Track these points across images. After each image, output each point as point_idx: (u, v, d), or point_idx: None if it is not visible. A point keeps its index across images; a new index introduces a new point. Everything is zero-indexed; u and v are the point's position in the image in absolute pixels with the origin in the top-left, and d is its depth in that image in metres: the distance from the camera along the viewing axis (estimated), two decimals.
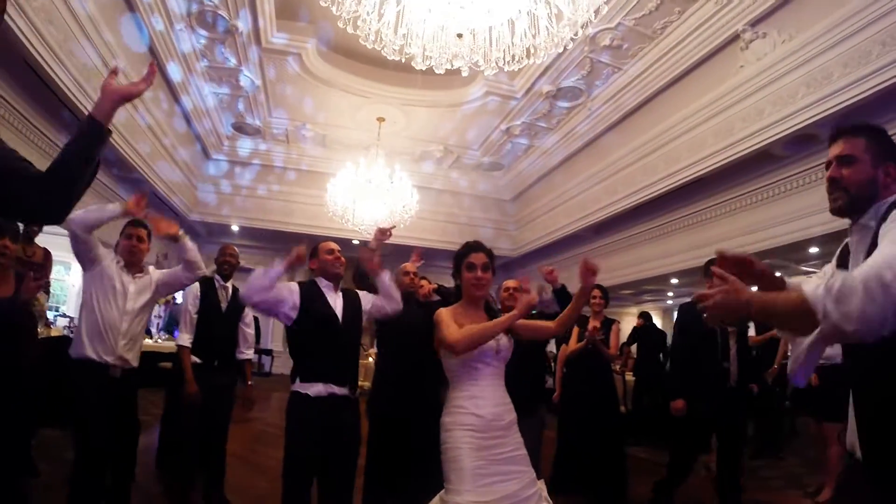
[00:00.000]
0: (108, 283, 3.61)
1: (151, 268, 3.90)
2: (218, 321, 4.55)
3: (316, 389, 3.13)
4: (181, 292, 4.66)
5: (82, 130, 1.64)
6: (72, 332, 6.08)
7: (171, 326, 6.07)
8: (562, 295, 4.36)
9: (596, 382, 5.44)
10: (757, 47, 7.03)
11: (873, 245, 1.56)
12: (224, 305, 4.60)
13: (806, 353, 1.51)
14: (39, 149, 7.88)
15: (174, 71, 8.89)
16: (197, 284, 4.44)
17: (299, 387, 3.17)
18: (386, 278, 3.60)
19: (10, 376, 3.71)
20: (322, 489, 3.20)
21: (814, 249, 8.63)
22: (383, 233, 3.83)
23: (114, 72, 1.74)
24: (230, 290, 4.66)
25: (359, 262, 3.87)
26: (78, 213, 3.40)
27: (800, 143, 7.27)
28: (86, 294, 3.64)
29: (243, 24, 8.03)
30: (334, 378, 3.17)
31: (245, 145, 12.68)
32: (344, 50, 9.08)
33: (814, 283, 1.41)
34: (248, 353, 4.82)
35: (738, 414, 4.76)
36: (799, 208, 7.79)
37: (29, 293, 3.84)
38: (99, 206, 3.54)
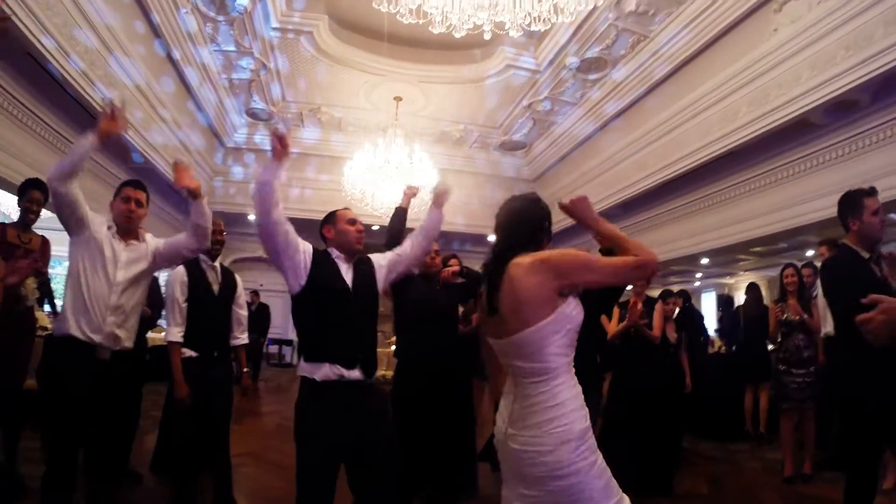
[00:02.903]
0: (95, 249, 3.18)
1: (149, 235, 3.47)
2: (212, 306, 4.07)
3: (323, 372, 2.72)
4: (166, 280, 4.21)
5: None
6: None
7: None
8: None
9: (646, 366, 5.12)
10: (791, 9, 6.69)
11: None
12: (216, 288, 4.11)
13: None
14: (45, 140, 7.73)
15: (180, 56, 8.67)
16: (182, 269, 3.98)
17: (305, 370, 2.78)
18: (441, 216, 3.44)
19: None
20: (354, 494, 2.81)
21: None
22: (412, 189, 3.62)
23: None
24: (219, 271, 4.18)
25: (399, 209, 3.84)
26: (51, 167, 3.06)
27: (840, 109, 6.89)
28: (71, 263, 3.20)
29: (249, 3, 7.77)
30: (342, 357, 2.75)
31: (258, 131, 12.42)
32: (357, 27, 8.80)
33: None
34: (243, 338, 4.34)
35: None
36: (837, 180, 7.32)
37: (17, 275, 3.32)
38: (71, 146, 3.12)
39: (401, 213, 3.84)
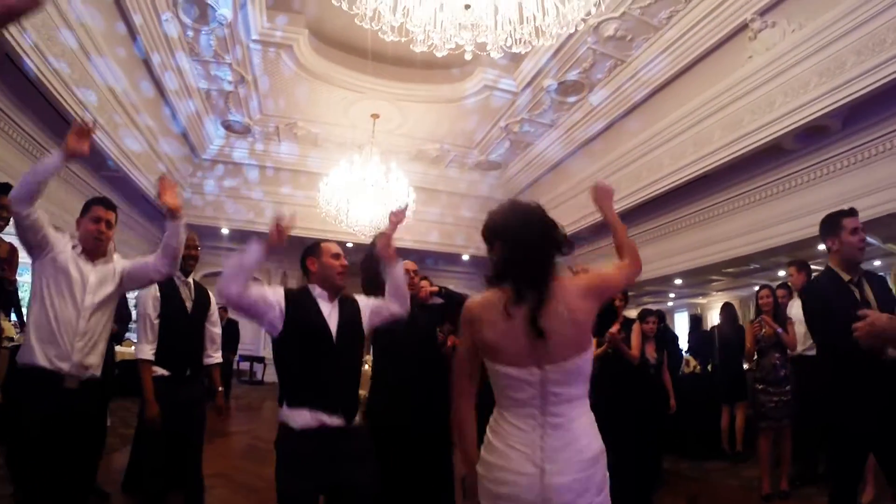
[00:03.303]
0: (61, 271, 2.99)
1: (116, 255, 3.32)
2: (185, 324, 3.93)
3: (303, 419, 2.66)
4: (136, 294, 4.06)
5: None
6: None
7: None
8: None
9: (627, 388, 5.10)
10: (766, 37, 6.81)
11: None
12: (189, 305, 3.98)
13: None
14: (17, 143, 7.58)
15: (158, 63, 8.54)
16: (154, 284, 3.81)
17: (285, 415, 2.71)
18: (400, 271, 3.15)
19: None
20: None
21: (822, 247, 8.37)
22: (397, 215, 3.43)
23: None
24: (192, 287, 4.06)
25: (370, 253, 3.42)
26: (13, 189, 2.87)
27: (811, 135, 7.08)
28: (35, 287, 3.00)
29: (231, 15, 7.69)
30: (324, 403, 2.69)
31: (233, 144, 12.29)
32: (336, 42, 8.78)
33: None
34: (217, 357, 4.22)
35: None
36: (808, 203, 7.58)
37: None
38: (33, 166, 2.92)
39: (379, 280, 3.75)
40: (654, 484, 5.37)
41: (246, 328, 13.32)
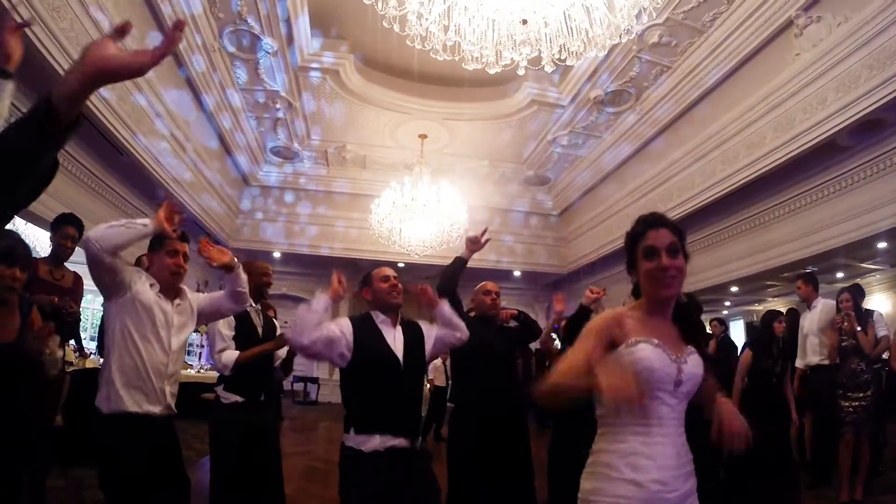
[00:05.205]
0: (145, 313, 2.80)
1: (188, 290, 3.14)
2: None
3: (372, 444, 2.72)
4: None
5: (30, 112, 1.05)
6: None
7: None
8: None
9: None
10: (812, 32, 6.70)
11: None
12: (260, 330, 4.01)
13: None
14: (73, 175, 7.91)
15: (208, 94, 8.84)
16: None
17: (353, 440, 2.77)
18: (445, 309, 3.20)
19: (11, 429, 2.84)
20: None
21: (881, 244, 8.24)
22: (475, 242, 3.44)
23: (121, 30, 1.10)
24: (261, 312, 4.10)
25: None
26: (98, 230, 2.62)
27: (866, 130, 6.88)
28: (113, 329, 2.78)
29: (277, 43, 7.92)
30: (393, 428, 2.77)
31: (284, 170, 12.60)
32: (381, 65, 8.95)
33: None
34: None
35: None
36: (865, 201, 7.42)
37: (36, 342, 2.88)
38: (127, 220, 2.75)
39: (458, 263, 3.78)
40: None
41: None
